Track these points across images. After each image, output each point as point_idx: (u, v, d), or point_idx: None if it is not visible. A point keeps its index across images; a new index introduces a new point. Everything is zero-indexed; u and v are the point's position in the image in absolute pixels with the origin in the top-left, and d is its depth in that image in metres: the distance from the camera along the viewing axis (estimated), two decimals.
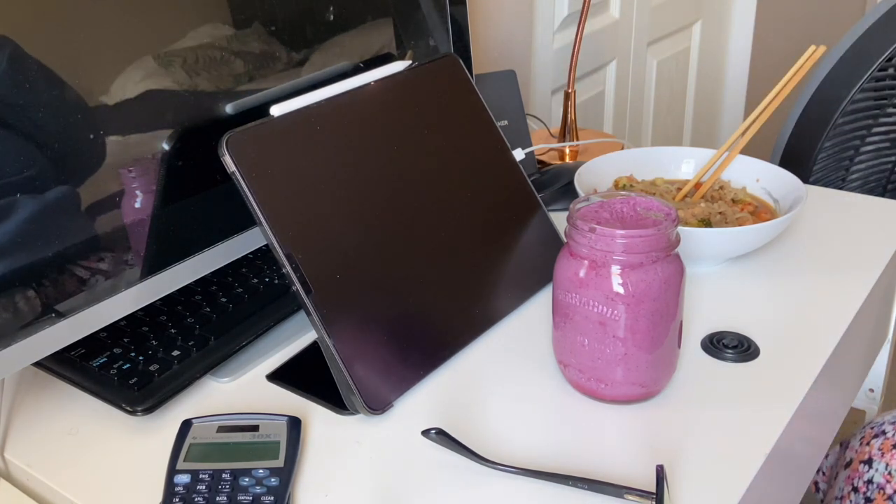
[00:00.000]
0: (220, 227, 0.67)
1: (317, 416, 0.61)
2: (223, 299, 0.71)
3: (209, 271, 0.67)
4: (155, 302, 0.70)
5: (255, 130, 0.59)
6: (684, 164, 0.90)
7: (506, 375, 0.64)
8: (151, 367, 0.63)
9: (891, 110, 1.29)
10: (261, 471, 0.53)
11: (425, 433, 0.55)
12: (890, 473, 0.73)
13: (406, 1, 0.81)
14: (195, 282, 0.73)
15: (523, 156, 0.78)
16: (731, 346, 0.66)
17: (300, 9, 0.70)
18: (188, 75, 0.63)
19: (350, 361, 0.59)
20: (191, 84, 0.63)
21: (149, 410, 0.60)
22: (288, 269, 0.58)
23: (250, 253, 0.78)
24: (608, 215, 0.59)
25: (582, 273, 0.57)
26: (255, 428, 0.57)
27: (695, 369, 0.64)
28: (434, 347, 0.64)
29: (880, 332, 0.90)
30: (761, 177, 0.85)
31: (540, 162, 1.14)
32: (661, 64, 1.92)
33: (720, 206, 0.80)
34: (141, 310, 0.70)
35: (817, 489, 0.80)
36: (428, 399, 0.62)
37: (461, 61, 0.75)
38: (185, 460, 0.55)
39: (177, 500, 0.52)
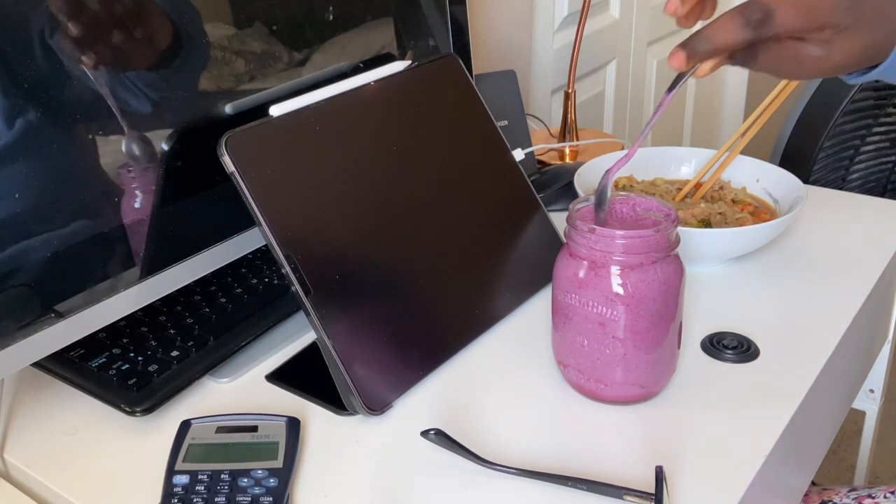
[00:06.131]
0: (219, 228, 0.67)
1: (316, 417, 0.61)
2: (222, 300, 0.71)
3: (209, 271, 0.67)
4: (154, 302, 0.70)
5: (254, 130, 0.59)
6: (684, 164, 0.90)
7: (505, 376, 0.64)
8: (150, 368, 0.63)
9: (891, 110, 1.29)
10: (260, 471, 0.53)
11: (424, 434, 0.55)
12: None
13: (406, 1, 0.81)
14: (194, 282, 0.73)
15: (523, 156, 0.77)
16: (731, 347, 0.66)
17: (300, 9, 0.70)
18: None
19: (349, 362, 0.58)
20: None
21: (148, 411, 0.60)
22: (287, 269, 0.58)
23: (250, 253, 0.77)
24: (608, 215, 0.59)
25: (581, 273, 0.57)
26: (254, 428, 0.57)
27: (694, 370, 0.64)
28: (433, 348, 0.64)
29: (880, 332, 0.90)
30: (761, 177, 0.85)
31: (540, 162, 1.14)
32: (661, 64, 1.91)
33: (720, 206, 0.80)
34: (140, 310, 0.69)
35: None
36: (427, 399, 0.62)
37: (461, 61, 0.75)
38: (183, 461, 0.54)
39: (175, 500, 0.51)
